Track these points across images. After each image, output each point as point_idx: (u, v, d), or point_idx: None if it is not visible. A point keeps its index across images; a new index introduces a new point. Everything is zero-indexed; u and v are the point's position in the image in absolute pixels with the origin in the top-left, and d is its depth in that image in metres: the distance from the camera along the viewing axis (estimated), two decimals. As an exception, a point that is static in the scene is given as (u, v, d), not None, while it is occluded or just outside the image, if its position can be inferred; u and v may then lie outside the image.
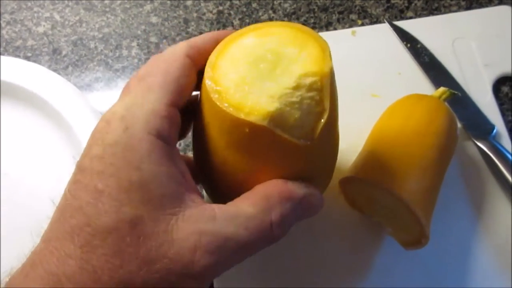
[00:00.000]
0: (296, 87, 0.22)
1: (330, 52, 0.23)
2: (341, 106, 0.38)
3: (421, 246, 0.30)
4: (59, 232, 0.19)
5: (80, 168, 0.20)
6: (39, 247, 0.20)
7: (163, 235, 0.19)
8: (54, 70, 0.42)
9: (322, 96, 0.22)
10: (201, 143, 0.25)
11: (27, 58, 0.43)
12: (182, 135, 0.28)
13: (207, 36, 0.25)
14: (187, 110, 0.25)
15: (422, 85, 0.39)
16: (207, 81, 0.23)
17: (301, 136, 0.22)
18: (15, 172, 0.38)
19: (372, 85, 0.39)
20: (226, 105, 0.22)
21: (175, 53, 0.24)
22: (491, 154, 0.35)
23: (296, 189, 0.23)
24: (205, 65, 0.24)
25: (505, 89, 0.40)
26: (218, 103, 0.22)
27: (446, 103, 0.34)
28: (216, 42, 0.25)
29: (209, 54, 0.24)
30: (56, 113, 0.38)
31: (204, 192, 0.32)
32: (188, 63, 0.24)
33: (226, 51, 0.24)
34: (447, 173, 0.33)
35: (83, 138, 0.36)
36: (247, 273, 0.33)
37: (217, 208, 0.21)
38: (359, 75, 0.40)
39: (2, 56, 0.40)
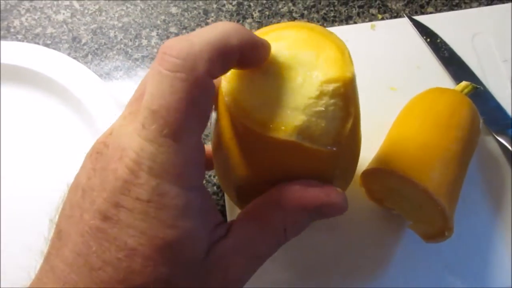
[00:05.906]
0: (320, 96, 0.21)
1: (349, 53, 0.22)
2: (359, 99, 0.39)
3: (444, 239, 0.29)
4: (87, 282, 0.18)
5: (103, 215, 0.18)
6: None
7: (198, 285, 0.20)
8: (74, 58, 0.42)
9: (346, 101, 0.22)
10: (222, 151, 0.24)
11: (46, 45, 0.43)
12: None
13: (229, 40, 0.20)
14: None
15: (441, 79, 0.39)
16: (226, 98, 0.22)
17: (327, 143, 0.21)
18: (32, 157, 0.38)
19: (390, 79, 0.39)
20: (250, 122, 0.21)
21: (195, 70, 0.18)
22: (511, 148, 0.35)
23: (314, 196, 0.22)
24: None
25: (524, 85, 0.40)
26: (241, 121, 0.21)
27: (468, 97, 0.34)
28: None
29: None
30: (76, 100, 0.38)
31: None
32: (212, 86, 0.19)
33: None
34: (467, 167, 0.33)
35: (102, 125, 0.36)
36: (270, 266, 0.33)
37: (236, 233, 0.21)
38: (378, 68, 0.40)
39: (21, 43, 0.40)
